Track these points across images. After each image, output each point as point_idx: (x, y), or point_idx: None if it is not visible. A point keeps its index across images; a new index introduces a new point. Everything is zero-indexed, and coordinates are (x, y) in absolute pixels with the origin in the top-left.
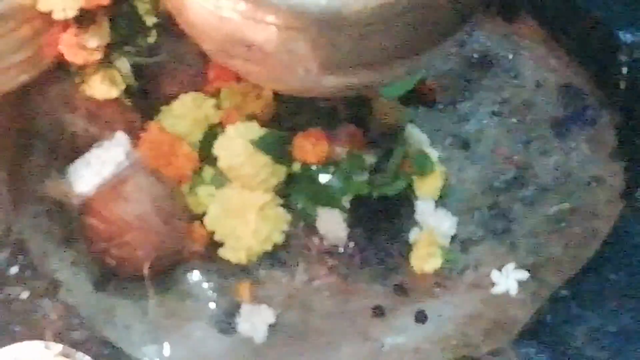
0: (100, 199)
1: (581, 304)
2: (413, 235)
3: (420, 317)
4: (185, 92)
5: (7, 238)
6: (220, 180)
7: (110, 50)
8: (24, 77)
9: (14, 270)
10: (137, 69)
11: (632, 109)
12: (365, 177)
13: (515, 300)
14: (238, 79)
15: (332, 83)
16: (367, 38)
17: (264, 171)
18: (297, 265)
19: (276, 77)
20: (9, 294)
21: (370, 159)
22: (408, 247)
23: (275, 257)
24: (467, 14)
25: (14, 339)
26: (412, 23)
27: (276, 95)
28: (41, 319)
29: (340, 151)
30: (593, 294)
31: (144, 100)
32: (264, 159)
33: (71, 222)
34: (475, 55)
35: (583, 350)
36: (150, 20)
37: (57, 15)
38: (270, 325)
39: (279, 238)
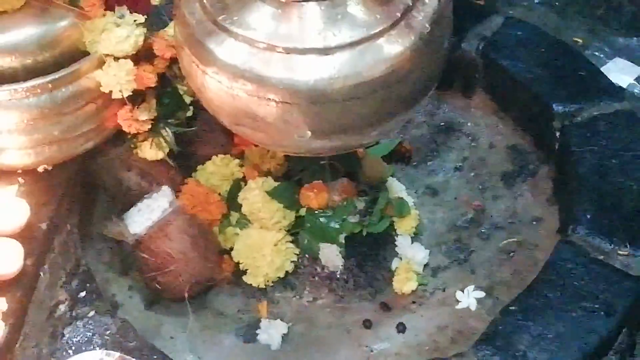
0: (150, 237)
1: (526, 317)
2: (394, 263)
3: (401, 328)
4: (216, 154)
5: (77, 269)
6: (244, 222)
7: (157, 122)
8: (90, 144)
9: (82, 294)
10: (178, 137)
11: (564, 164)
12: (356, 218)
13: (474, 314)
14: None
15: (319, 145)
16: (346, 110)
17: (278, 215)
18: (304, 288)
19: (276, 141)
20: (79, 313)
21: (360, 204)
22: (390, 273)
23: (286, 282)
24: (423, 91)
25: (83, 347)
26: (380, 98)
27: (286, 155)
28: (104, 332)
29: (337, 199)
30: (535, 308)
31: (184, 160)
32: (277, 206)
33: (127, 256)
34: (442, 123)
35: (528, 352)
36: (188, 98)
37: (116, 95)
38: (283, 336)
39: (289, 267)
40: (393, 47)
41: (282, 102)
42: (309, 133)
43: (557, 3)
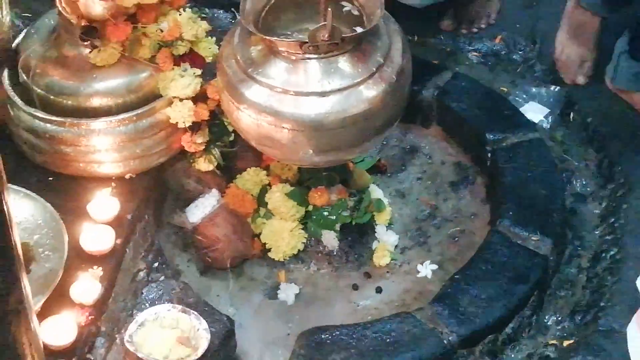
0: (203, 225)
1: (467, 283)
2: (374, 245)
3: (378, 290)
4: (250, 167)
5: (151, 247)
6: (269, 215)
7: (209, 144)
8: (161, 159)
9: (155, 264)
10: (223, 155)
11: (493, 176)
12: (348, 213)
13: (430, 281)
14: None
15: (318, 159)
16: (337, 135)
17: (293, 210)
18: (311, 261)
19: (287, 157)
20: (153, 277)
21: (350, 203)
22: (371, 251)
23: (299, 257)
24: (391, 122)
25: (156, 302)
26: (361, 127)
27: (299, 168)
28: (170, 291)
29: (334, 199)
30: (473, 277)
31: (227, 171)
32: (292, 203)
33: (187, 238)
34: (408, 147)
35: (467, 308)
36: (230, 128)
37: (180, 125)
38: (296, 295)
39: (301, 246)
40: (370, 92)
41: (292, 129)
42: (311, 151)
43: (489, 63)
